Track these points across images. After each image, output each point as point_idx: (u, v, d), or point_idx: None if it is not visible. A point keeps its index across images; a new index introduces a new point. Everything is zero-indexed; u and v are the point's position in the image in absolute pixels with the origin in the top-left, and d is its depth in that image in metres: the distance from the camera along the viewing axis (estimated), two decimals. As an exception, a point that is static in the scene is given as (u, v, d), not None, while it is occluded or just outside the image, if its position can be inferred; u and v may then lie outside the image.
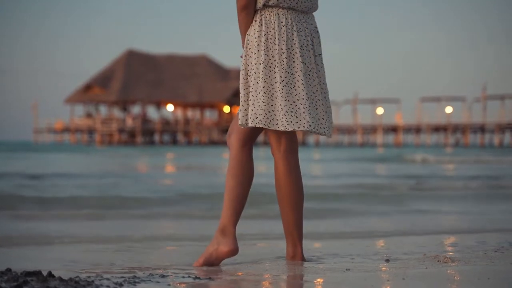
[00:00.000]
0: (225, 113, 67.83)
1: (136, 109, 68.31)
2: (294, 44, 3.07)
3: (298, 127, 3.04)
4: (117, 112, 67.44)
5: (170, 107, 67.76)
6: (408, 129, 62.89)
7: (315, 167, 20.55)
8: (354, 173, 16.68)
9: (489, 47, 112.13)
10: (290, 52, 3.07)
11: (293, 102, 3.05)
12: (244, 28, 3.16)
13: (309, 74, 3.09)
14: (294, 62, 3.07)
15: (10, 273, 2.60)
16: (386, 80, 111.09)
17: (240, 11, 3.13)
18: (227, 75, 69.61)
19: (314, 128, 3.06)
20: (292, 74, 3.06)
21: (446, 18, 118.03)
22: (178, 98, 67.16)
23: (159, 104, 67.93)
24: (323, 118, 3.10)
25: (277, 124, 3.06)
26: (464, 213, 7.07)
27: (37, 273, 2.57)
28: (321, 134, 3.10)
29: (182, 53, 71.38)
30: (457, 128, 60.78)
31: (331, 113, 3.15)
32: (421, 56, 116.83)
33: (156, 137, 67.40)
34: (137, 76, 67.69)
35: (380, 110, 62.78)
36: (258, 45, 3.09)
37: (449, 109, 60.75)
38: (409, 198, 9.12)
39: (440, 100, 60.54)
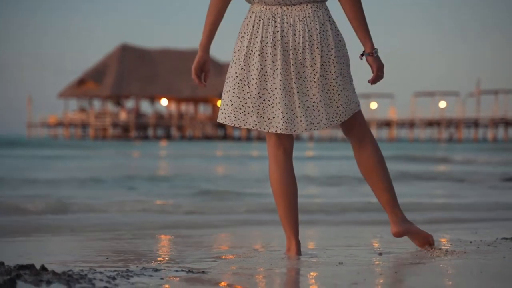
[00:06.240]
0: (218, 107, 67.73)
1: (130, 104, 68.28)
2: (256, 43, 3.04)
3: (245, 125, 3.09)
4: (111, 107, 67.37)
5: (164, 102, 67.70)
6: (402, 124, 62.98)
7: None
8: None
9: (483, 42, 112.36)
10: (251, 50, 3.05)
11: (243, 99, 3.08)
12: None
13: (269, 73, 3.02)
14: (252, 60, 3.05)
15: (3, 267, 2.60)
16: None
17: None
18: (221, 70, 69.55)
19: (259, 127, 3.06)
20: (248, 72, 3.06)
21: (440, 12, 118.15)
22: (172, 93, 67.09)
23: (153, 99, 67.86)
24: (278, 117, 3.03)
25: (246, 121, 3.10)
26: None
27: (30, 267, 2.57)
28: (272, 132, 3.06)
29: (176, 48, 71.29)
30: (451, 123, 60.89)
31: (307, 110, 3.03)
32: (414, 51, 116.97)
33: (150, 132, 67.35)
34: (131, 70, 67.60)
35: (374, 105, 62.88)
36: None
37: (443, 104, 60.85)
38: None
39: (434, 95, 60.64)
